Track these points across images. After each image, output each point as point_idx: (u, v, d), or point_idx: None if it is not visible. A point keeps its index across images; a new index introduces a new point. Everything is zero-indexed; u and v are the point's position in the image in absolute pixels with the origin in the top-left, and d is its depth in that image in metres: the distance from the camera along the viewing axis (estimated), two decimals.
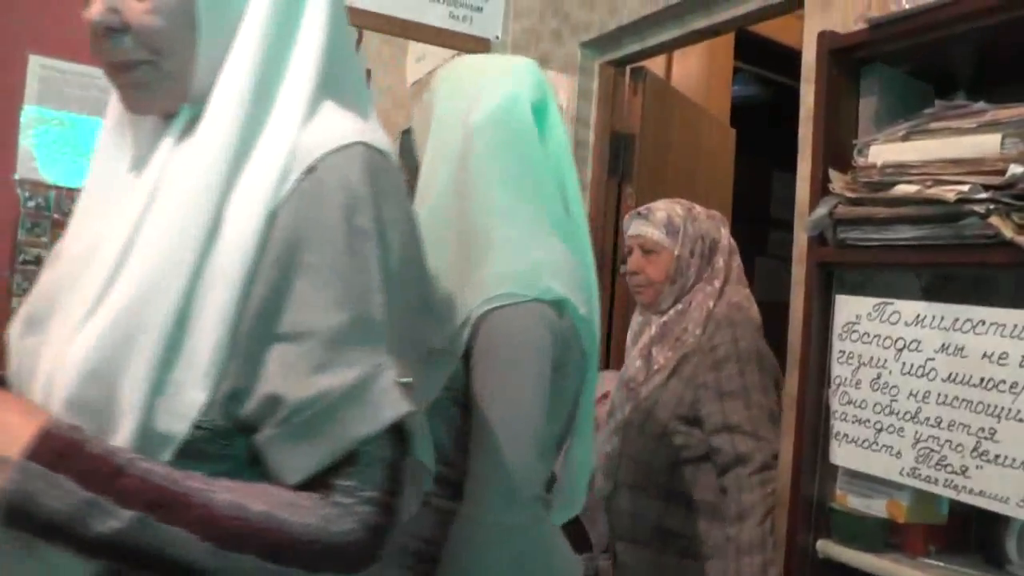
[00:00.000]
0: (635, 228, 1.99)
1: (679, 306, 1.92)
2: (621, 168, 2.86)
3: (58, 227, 2.64)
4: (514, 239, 1.15)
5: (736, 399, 1.77)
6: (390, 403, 0.74)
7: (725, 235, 2.00)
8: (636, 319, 2.07)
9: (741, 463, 1.75)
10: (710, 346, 1.81)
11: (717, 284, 1.92)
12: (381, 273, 0.76)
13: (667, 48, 2.78)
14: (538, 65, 1.34)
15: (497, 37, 3.25)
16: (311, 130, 0.80)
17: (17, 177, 2.59)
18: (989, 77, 1.65)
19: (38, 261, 2.63)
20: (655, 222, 1.95)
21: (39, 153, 2.62)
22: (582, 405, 1.24)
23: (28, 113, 2.61)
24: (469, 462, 1.10)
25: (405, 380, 0.75)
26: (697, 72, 3.63)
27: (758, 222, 4.47)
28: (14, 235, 2.59)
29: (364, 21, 2.94)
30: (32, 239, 2.61)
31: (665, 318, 1.93)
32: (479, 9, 3.16)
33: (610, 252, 2.85)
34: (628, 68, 2.90)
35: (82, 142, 2.69)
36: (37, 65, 2.61)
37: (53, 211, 2.63)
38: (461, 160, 1.20)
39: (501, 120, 1.21)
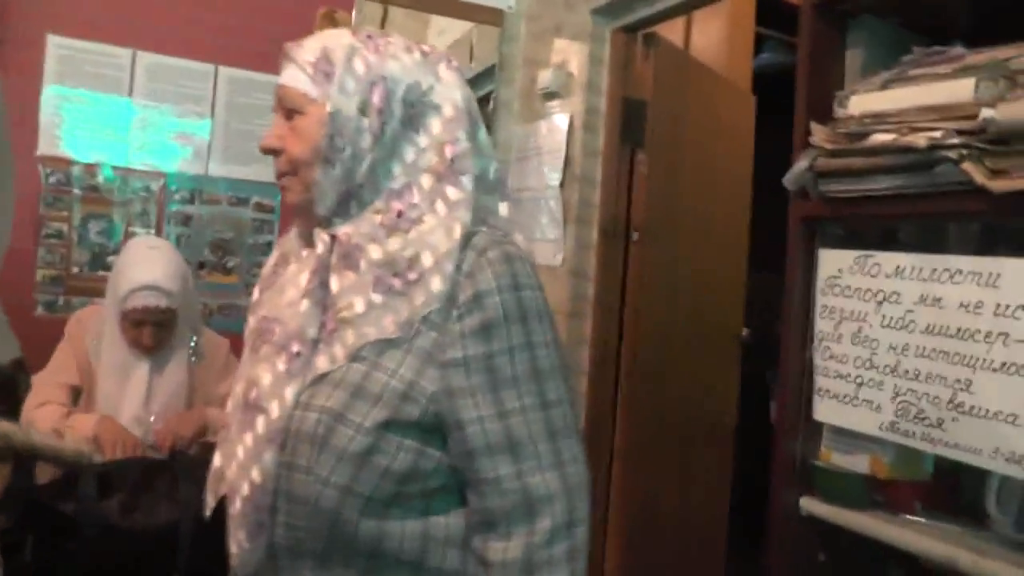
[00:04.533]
0: (284, 69, 1.12)
1: (373, 216, 1.06)
2: (634, 135, 2.83)
3: (81, 202, 2.73)
4: None
5: (524, 393, 1.02)
6: None
7: (454, 83, 1.11)
8: (289, 236, 1.20)
9: (532, 517, 1.00)
10: (471, 294, 1.01)
11: (456, 189, 1.06)
12: None
13: (678, 12, 2.74)
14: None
15: (511, 7, 3.25)
16: None
17: (38, 154, 2.67)
18: (988, 26, 1.60)
19: (59, 235, 2.71)
20: (300, 59, 1.09)
21: (59, 130, 2.70)
22: None
23: (47, 91, 2.68)
24: None
25: None
26: (717, 39, 3.58)
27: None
28: (36, 210, 2.67)
29: None
30: (53, 213, 2.70)
31: (346, 231, 1.06)
32: None
33: (623, 220, 2.83)
34: (640, 34, 2.87)
35: (100, 118, 2.77)
36: (54, 44, 2.68)
37: (75, 186, 2.71)
38: None
39: None
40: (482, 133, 1.12)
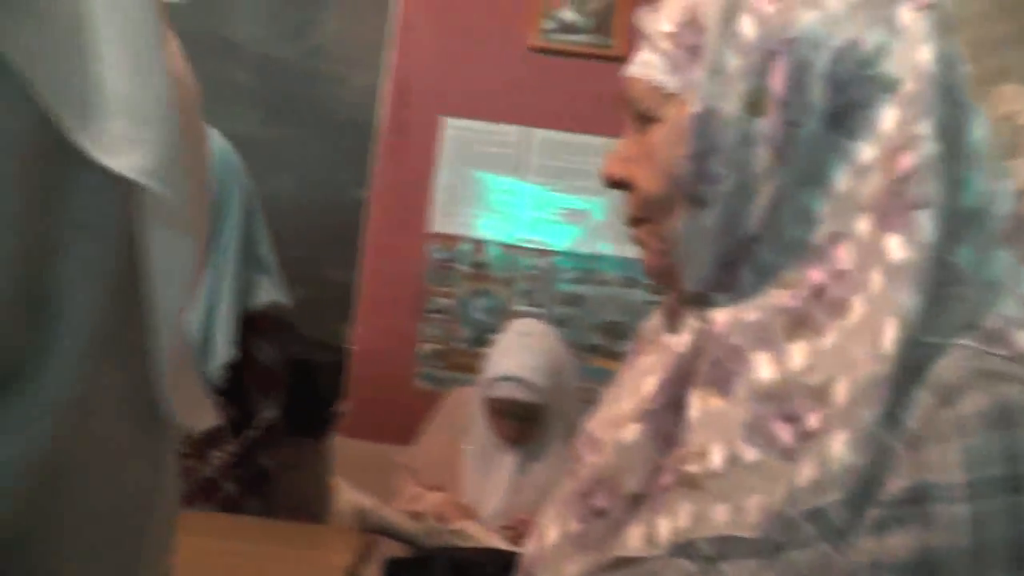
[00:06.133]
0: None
1: (773, 293, 0.61)
2: None
3: (467, 279, 2.75)
4: None
5: None
6: None
7: (922, 34, 0.59)
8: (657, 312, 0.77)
9: None
10: (909, 486, 0.52)
11: (903, 240, 0.55)
12: None
13: None
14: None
15: None
16: None
17: (428, 231, 2.76)
18: None
19: (444, 310, 2.76)
20: (654, 31, 0.66)
21: (450, 208, 2.78)
22: None
23: (441, 171, 2.78)
24: None
25: None
26: None
27: None
28: (422, 285, 2.75)
29: None
30: (438, 289, 2.76)
31: (725, 319, 0.62)
32: None
33: None
34: None
35: (487, 195, 2.79)
36: (449, 126, 2.77)
37: (461, 263, 2.75)
38: None
39: None
40: (975, 129, 0.60)
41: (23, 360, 0.31)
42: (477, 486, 2.07)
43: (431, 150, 2.76)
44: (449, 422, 2.21)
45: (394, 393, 2.70)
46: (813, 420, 0.55)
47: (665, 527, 0.58)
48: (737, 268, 0.62)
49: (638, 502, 0.61)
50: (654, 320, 0.74)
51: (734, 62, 0.60)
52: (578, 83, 2.85)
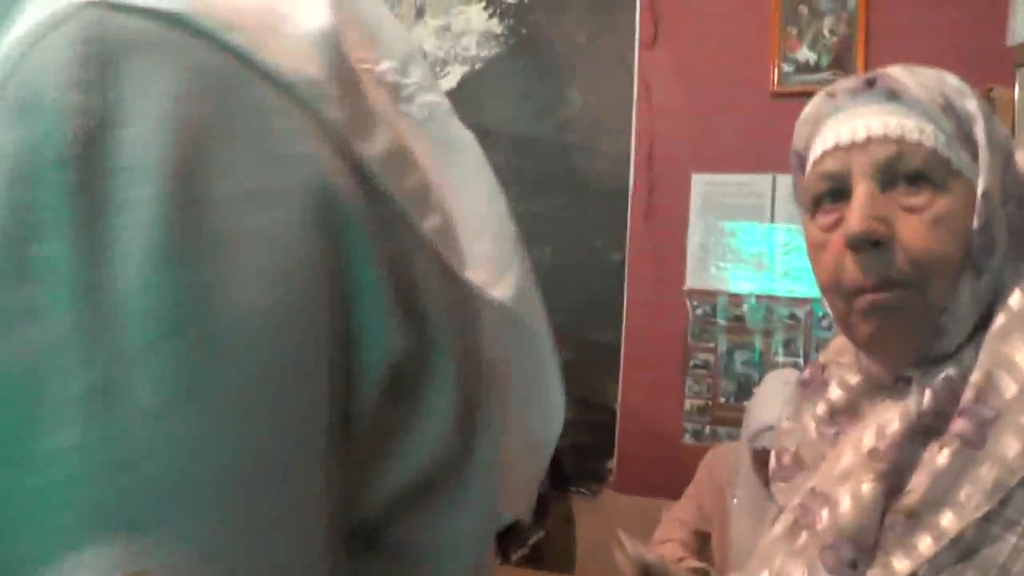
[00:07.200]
0: (864, 114, 0.74)
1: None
2: None
3: (726, 332, 2.75)
4: None
5: None
6: None
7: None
8: (841, 365, 0.84)
9: None
10: None
11: None
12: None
13: None
14: None
15: None
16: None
17: (686, 287, 2.78)
18: None
19: (706, 365, 2.77)
20: (915, 96, 0.72)
21: (705, 263, 2.79)
22: None
23: (693, 227, 2.80)
24: None
25: None
26: None
27: None
28: (684, 341, 2.77)
29: None
30: (700, 344, 2.76)
31: (950, 374, 0.70)
32: None
33: None
34: None
35: (739, 247, 2.78)
36: (698, 182, 2.79)
37: (719, 317, 2.75)
38: None
39: None
40: None
41: (458, 466, 0.39)
42: (747, 538, 2.06)
43: (683, 207, 2.80)
44: (710, 479, 2.22)
45: (661, 449, 2.73)
46: (985, 408, 0.65)
47: (899, 566, 0.66)
48: (979, 332, 0.72)
49: (875, 551, 0.69)
50: (840, 389, 0.82)
51: (993, 158, 0.72)
52: None
